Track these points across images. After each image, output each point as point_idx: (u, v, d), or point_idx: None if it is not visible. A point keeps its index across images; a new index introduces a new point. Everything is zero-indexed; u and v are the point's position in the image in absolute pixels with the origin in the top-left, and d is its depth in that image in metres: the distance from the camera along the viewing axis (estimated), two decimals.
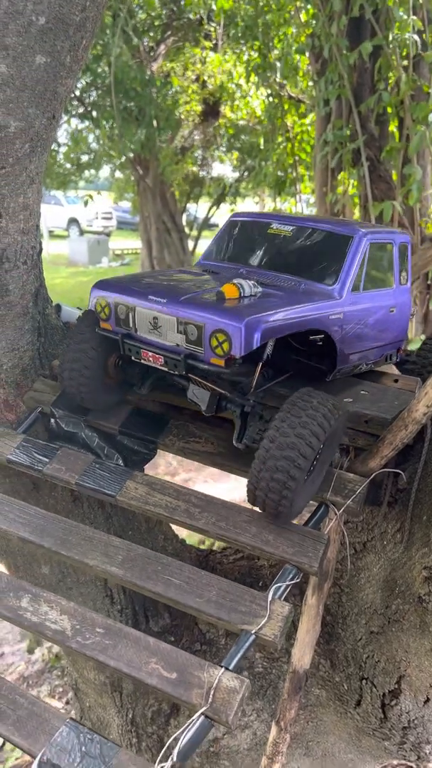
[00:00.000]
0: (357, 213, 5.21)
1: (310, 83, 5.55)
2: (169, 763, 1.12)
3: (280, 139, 6.07)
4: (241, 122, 6.99)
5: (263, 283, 1.55)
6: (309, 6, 4.92)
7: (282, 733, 1.75)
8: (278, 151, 6.02)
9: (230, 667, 1.23)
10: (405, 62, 4.45)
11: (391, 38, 4.29)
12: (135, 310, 1.45)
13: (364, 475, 1.41)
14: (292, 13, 5.16)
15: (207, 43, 6.61)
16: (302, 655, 1.67)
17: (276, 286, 1.55)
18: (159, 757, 1.13)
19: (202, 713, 1.18)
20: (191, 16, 8.70)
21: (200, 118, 7.63)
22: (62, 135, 13.69)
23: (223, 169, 14.12)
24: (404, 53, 4.39)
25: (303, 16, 5.10)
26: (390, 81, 4.67)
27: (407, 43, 4.26)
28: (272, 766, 1.79)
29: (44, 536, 1.46)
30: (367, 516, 1.76)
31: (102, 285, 1.52)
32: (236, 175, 12.54)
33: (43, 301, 1.74)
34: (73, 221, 25.46)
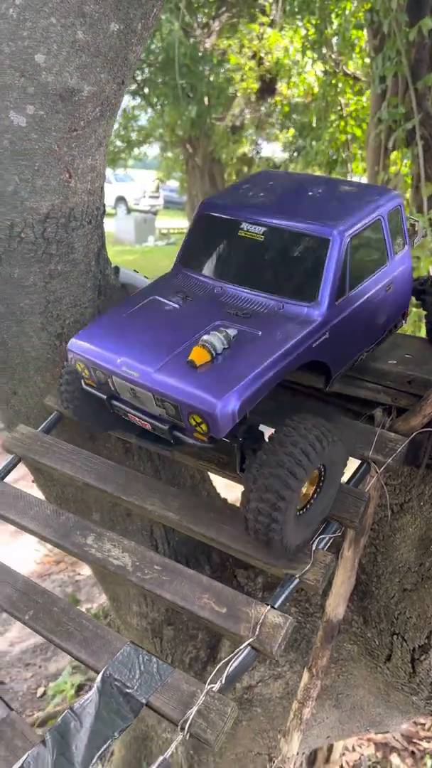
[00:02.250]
0: (408, 194, 5.17)
1: (367, 60, 5.50)
2: (217, 685, 1.22)
3: (333, 117, 6.04)
4: (297, 99, 6.96)
5: (237, 312, 1.44)
6: None
7: (313, 679, 1.84)
8: (331, 130, 6.00)
9: (275, 606, 1.32)
10: None
11: None
12: (112, 378, 1.40)
13: (405, 435, 1.48)
14: None
15: (264, 19, 6.59)
16: (336, 605, 1.76)
17: (251, 317, 1.42)
18: (209, 680, 1.23)
19: (249, 644, 1.27)
20: None
21: (256, 96, 7.62)
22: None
23: (272, 149, 14.02)
24: None
25: None
26: None
27: None
28: (303, 710, 1.88)
29: (107, 483, 1.57)
30: (406, 479, 1.82)
31: (74, 346, 1.45)
32: (286, 156, 12.46)
33: (104, 262, 1.84)
34: (120, 199, 25.55)
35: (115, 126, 13.84)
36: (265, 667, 2.16)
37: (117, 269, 1.97)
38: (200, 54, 10.01)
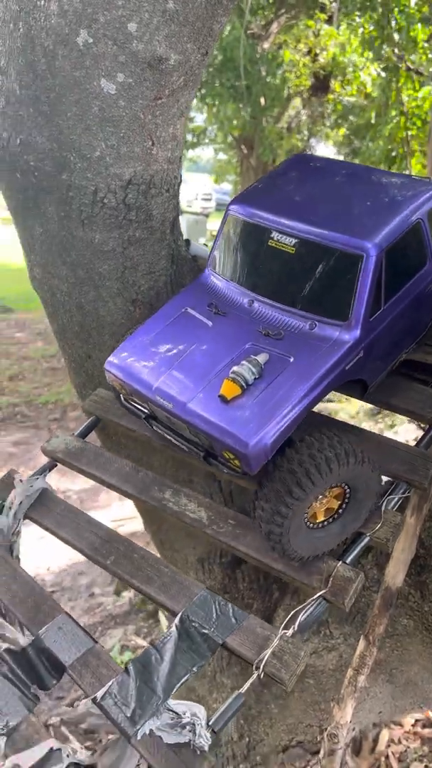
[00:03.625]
0: None
1: (430, 55, 5.47)
2: (290, 631, 1.27)
3: (393, 113, 6.02)
4: (350, 99, 6.95)
5: (268, 332, 1.42)
6: None
7: (369, 647, 1.87)
8: (391, 125, 5.98)
9: (347, 561, 1.35)
10: None
11: None
12: (148, 402, 1.44)
13: None
14: None
15: (322, 15, 6.62)
16: (396, 572, 1.78)
17: (282, 339, 1.40)
18: (281, 626, 1.28)
19: (321, 595, 1.31)
20: None
21: (309, 93, 7.64)
22: None
23: (326, 150, 13.98)
24: None
25: None
26: None
27: None
28: (357, 678, 1.91)
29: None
30: None
31: (111, 366, 1.49)
32: (341, 157, 12.43)
33: (178, 232, 1.91)
34: None
35: None
36: (319, 639, 2.19)
37: (188, 242, 2.04)
38: (258, 55, 10.09)
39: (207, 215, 23.23)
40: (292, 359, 1.35)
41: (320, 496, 1.33)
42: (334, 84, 6.95)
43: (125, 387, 1.49)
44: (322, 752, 2.02)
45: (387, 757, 3.55)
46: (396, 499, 1.44)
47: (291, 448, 1.28)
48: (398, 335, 1.51)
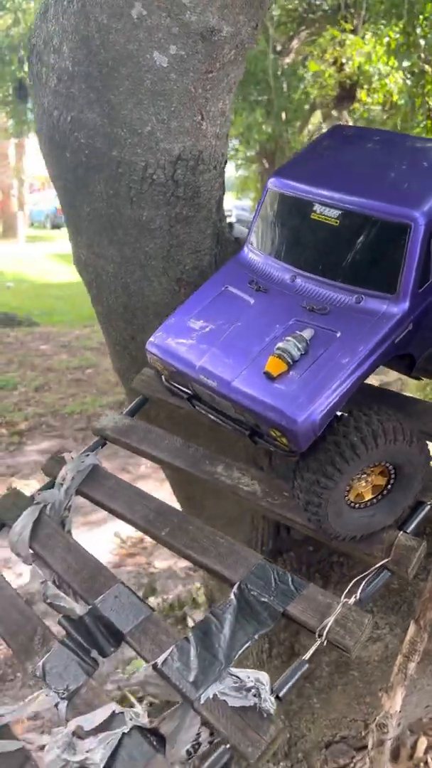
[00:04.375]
0: None
1: None
2: (352, 600, 1.24)
3: (420, 118, 6.03)
4: (376, 108, 6.99)
5: (313, 307, 1.38)
6: None
7: (420, 632, 1.82)
8: (418, 130, 5.98)
9: (408, 531, 1.32)
10: None
11: None
12: (191, 383, 1.41)
13: None
14: None
15: (347, 25, 6.68)
16: None
17: (328, 313, 1.36)
18: (344, 594, 1.25)
19: (383, 565, 1.28)
20: (326, 5, 8.75)
21: (334, 103, 7.70)
22: None
23: None
24: None
25: None
26: None
27: None
28: (408, 665, 1.86)
29: None
30: None
31: (153, 347, 1.47)
32: None
33: (222, 212, 1.91)
34: None
35: None
36: None
37: (231, 225, 2.04)
38: (279, 71, 10.19)
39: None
40: (338, 334, 1.31)
41: (363, 475, 1.30)
42: (360, 93, 6.99)
43: (167, 367, 1.47)
44: (370, 743, 1.97)
45: (426, 762, 3.47)
46: None
47: (338, 421, 1.25)
48: None
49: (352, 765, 2.32)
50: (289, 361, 1.28)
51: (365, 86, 6.73)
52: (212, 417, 1.45)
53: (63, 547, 1.46)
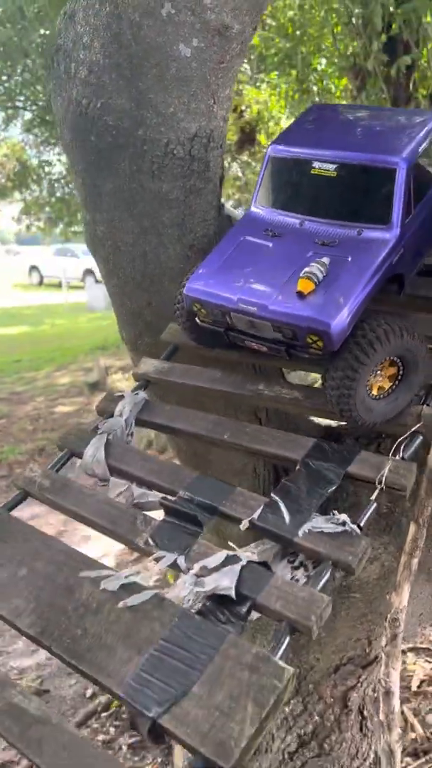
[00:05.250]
0: None
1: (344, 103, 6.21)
2: (399, 456, 1.53)
3: None
4: None
5: (324, 242, 1.68)
6: (341, 27, 5.63)
7: (420, 529, 2.14)
8: None
9: (429, 404, 1.64)
10: None
11: (425, 53, 4.95)
12: (230, 314, 1.67)
13: None
14: (329, 43, 5.88)
15: (243, 77, 7.36)
16: None
17: (337, 245, 1.67)
18: (390, 453, 1.53)
19: (416, 430, 1.58)
20: None
21: (236, 147, 8.35)
22: None
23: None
24: None
25: (341, 46, 5.80)
26: (423, 92, 5.33)
27: None
28: (411, 561, 2.17)
29: (222, 383, 1.88)
30: None
31: (191, 290, 1.72)
32: None
33: (221, 187, 2.23)
34: (88, 272, 26.30)
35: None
36: None
37: (222, 205, 2.36)
38: None
39: None
40: (349, 258, 1.63)
41: (378, 371, 1.62)
42: (260, 137, 7.67)
43: (205, 306, 1.73)
44: (384, 640, 2.24)
45: (402, 712, 3.75)
46: None
47: (357, 327, 1.57)
48: (423, 238, 1.83)
49: (359, 684, 2.57)
50: (316, 281, 1.58)
51: (264, 130, 7.40)
52: (248, 342, 1.73)
53: (139, 458, 1.66)
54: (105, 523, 1.52)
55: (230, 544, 1.40)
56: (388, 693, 2.26)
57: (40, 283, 28.12)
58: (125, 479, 1.65)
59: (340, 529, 1.37)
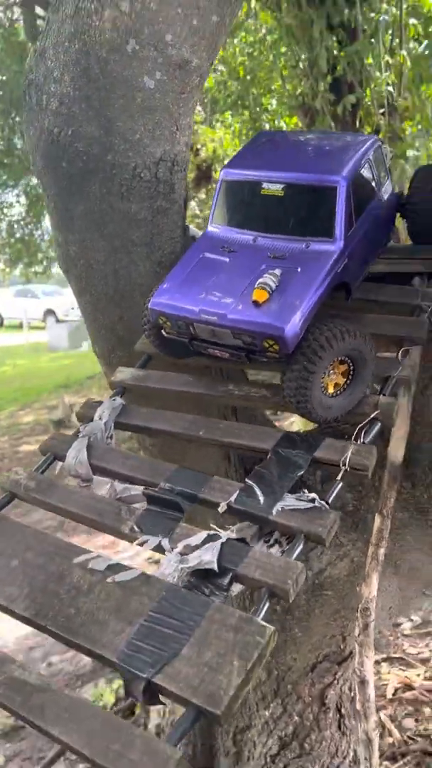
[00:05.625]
0: None
1: None
2: (359, 442, 1.66)
3: None
4: None
5: (275, 255, 1.82)
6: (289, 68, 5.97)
7: (384, 520, 2.27)
8: None
9: (386, 394, 1.78)
10: (381, 110, 5.45)
11: (369, 92, 5.30)
12: (193, 324, 1.80)
13: None
14: (280, 84, 6.22)
15: (198, 117, 7.67)
16: (396, 450, 2.23)
17: (287, 258, 1.81)
18: (352, 438, 1.67)
19: (374, 417, 1.72)
20: None
21: (193, 183, 8.62)
22: (48, 222, 14.59)
23: None
24: (381, 103, 5.41)
25: (289, 87, 6.14)
26: (369, 129, 5.66)
27: (383, 95, 5.27)
28: (378, 551, 2.29)
29: (196, 387, 2.00)
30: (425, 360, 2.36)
31: (156, 304, 1.84)
32: None
33: (185, 209, 2.38)
34: (49, 312, 26.30)
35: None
36: (332, 551, 2.55)
37: (187, 227, 2.51)
38: None
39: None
40: (299, 269, 1.77)
41: (331, 371, 1.75)
42: (215, 173, 7.94)
43: (170, 319, 1.85)
44: (357, 630, 2.34)
45: (379, 719, 3.82)
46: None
47: (309, 331, 1.70)
48: (365, 249, 2.00)
49: (335, 681, 2.66)
50: (269, 290, 1.72)
51: (219, 168, 7.70)
52: (210, 351, 1.86)
53: (120, 456, 1.76)
54: (91, 516, 1.61)
55: (211, 525, 1.50)
56: (363, 682, 2.35)
57: (0, 324, 28.00)
58: (108, 477, 1.74)
59: (310, 505, 1.49)
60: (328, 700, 2.68)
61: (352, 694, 2.76)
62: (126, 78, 1.95)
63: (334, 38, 5.36)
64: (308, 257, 1.81)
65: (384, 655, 4.48)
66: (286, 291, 1.71)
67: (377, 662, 4.36)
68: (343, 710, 2.77)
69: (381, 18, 5.26)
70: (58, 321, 24.57)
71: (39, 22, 9.93)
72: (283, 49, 6.13)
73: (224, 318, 1.72)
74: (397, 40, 5.59)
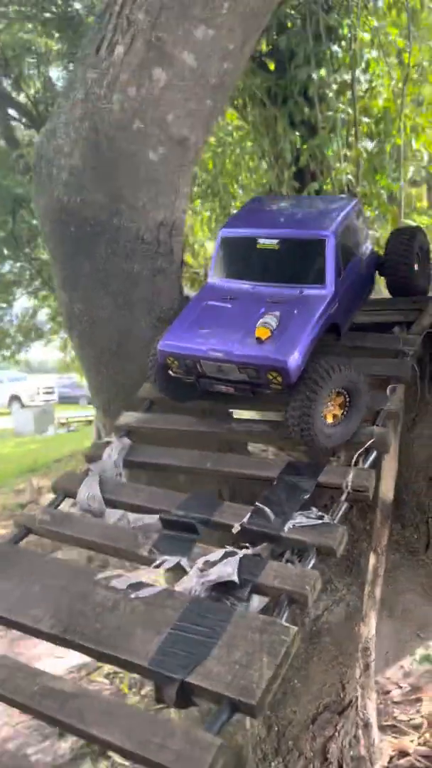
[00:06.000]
0: None
1: None
2: (360, 465, 1.79)
3: None
4: (200, 269, 8.37)
5: (273, 301, 2.00)
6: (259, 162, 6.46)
7: (379, 557, 2.36)
8: None
9: (379, 425, 1.92)
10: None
11: (330, 180, 5.75)
12: (200, 362, 1.96)
13: (419, 334, 2.24)
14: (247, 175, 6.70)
15: None
16: (387, 488, 2.35)
17: (285, 302, 1.99)
18: (352, 463, 1.79)
19: (371, 445, 1.85)
20: None
21: None
22: (18, 307, 14.87)
23: None
24: (341, 190, 5.86)
25: (256, 176, 6.62)
26: None
27: (343, 183, 5.73)
28: (375, 590, 2.37)
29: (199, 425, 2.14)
30: (410, 402, 2.54)
31: (166, 346, 2.00)
32: None
33: (182, 270, 2.58)
34: (14, 398, 26.19)
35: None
36: (327, 596, 2.61)
37: (182, 287, 2.70)
38: None
39: (53, 405, 23.80)
40: (296, 311, 1.95)
41: (329, 403, 1.91)
42: (187, 257, 8.34)
43: (178, 358, 1.99)
44: (357, 671, 2.37)
45: None
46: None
47: (305, 369, 1.87)
48: (351, 297, 2.19)
49: (336, 733, 2.65)
50: (271, 329, 1.89)
51: (190, 253, 8.10)
52: (216, 386, 2.00)
53: (132, 488, 1.85)
54: (109, 543, 1.68)
55: (225, 546, 1.59)
56: (366, 725, 2.36)
57: None
58: (122, 509, 1.82)
59: (319, 522, 1.60)
60: (330, 755, 2.65)
61: (353, 750, 2.74)
62: (132, 152, 2.18)
63: (297, 133, 5.87)
64: (303, 301, 1.99)
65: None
66: (287, 329, 1.87)
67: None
68: (344, 766, 2.73)
69: (339, 116, 5.81)
70: (23, 406, 24.45)
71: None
72: (249, 144, 6.64)
73: (230, 354, 1.87)
74: (352, 137, 6.14)
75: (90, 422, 21.68)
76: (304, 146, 5.81)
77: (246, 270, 2.16)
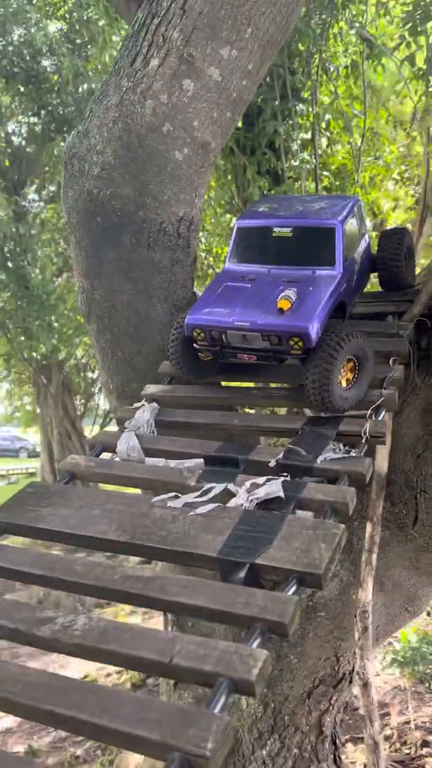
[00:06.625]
0: None
1: None
2: (374, 417, 2.02)
3: None
4: None
5: (289, 280, 2.24)
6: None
7: (375, 527, 2.56)
8: None
9: (386, 387, 2.17)
10: None
11: None
12: (227, 332, 2.18)
13: (410, 322, 2.53)
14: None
15: None
16: (382, 461, 2.58)
17: (300, 281, 2.24)
18: (369, 411, 2.02)
19: (380, 404, 2.08)
20: None
21: None
22: None
23: None
24: None
25: (224, 220, 7.02)
26: None
27: None
28: (371, 556, 2.55)
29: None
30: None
31: (194, 320, 2.20)
32: None
33: (195, 264, 2.81)
34: None
35: None
36: None
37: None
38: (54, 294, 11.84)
39: None
40: (310, 288, 2.20)
41: (342, 368, 2.15)
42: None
43: (204, 330, 2.19)
44: (356, 634, 2.53)
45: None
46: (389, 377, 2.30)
47: (322, 337, 2.13)
48: (356, 280, 2.47)
49: (331, 706, 2.78)
50: (291, 301, 2.14)
51: None
52: (239, 356, 2.21)
53: (168, 440, 2.02)
54: (157, 477, 1.84)
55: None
56: (366, 685, 2.50)
57: None
58: (161, 457, 1.98)
59: (347, 455, 1.81)
60: (325, 727, 2.77)
61: (349, 719, 2.86)
62: (160, 151, 2.44)
63: (264, 180, 6.32)
64: (316, 280, 2.24)
65: (347, 736, 4.50)
66: (304, 302, 2.12)
67: (342, 744, 4.36)
68: (337, 742, 2.85)
69: (304, 166, 6.32)
70: None
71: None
72: (213, 194, 7.10)
73: (255, 324, 2.09)
74: (313, 185, 6.65)
75: (32, 474, 21.32)
76: (272, 191, 6.26)
77: (261, 255, 2.40)
